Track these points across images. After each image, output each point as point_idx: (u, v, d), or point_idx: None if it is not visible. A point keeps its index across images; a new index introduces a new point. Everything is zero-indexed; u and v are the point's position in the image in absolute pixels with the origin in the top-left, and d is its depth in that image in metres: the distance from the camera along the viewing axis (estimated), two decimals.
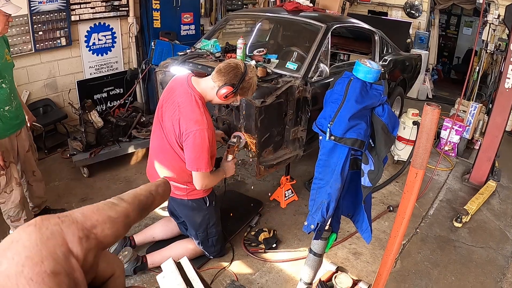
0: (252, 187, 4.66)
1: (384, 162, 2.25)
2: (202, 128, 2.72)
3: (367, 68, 2.18)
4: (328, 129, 2.23)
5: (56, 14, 5.13)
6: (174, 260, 2.07)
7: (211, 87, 2.82)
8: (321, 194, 2.35)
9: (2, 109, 3.08)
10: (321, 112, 2.38)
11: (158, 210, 4.18)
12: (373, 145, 2.26)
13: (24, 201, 3.46)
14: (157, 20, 6.01)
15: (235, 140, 3.23)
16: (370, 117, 2.23)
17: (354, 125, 2.16)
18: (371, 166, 2.24)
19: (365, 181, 2.28)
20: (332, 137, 2.21)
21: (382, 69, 2.48)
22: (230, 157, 3.21)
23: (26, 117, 3.51)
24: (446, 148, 5.89)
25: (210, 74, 2.89)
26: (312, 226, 2.35)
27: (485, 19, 7.10)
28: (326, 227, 2.48)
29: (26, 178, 3.64)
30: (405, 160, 5.29)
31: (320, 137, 2.35)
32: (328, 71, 4.04)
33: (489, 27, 7.20)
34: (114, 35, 5.99)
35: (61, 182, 4.65)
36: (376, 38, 5.26)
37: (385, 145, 2.20)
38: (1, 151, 3.09)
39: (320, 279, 2.66)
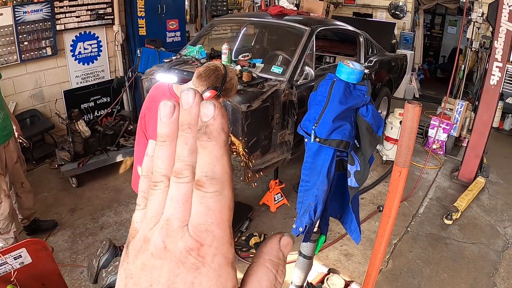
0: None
1: (370, 162, 2.25)
2: None
3: (349, 69, 2.18)
4: (313, 131, 2.23)
5: (41, 23, 5.11)
6: None
7: None
8: (308, 196, 2.35)
9: None
10: (306, 114, 2.38)
11: None
12: (358, 145, 2.27)
13: (13, 213, 3.43)
14: (143, 27, 6.01)
15: None
16: (355, 118, 2.24)
17: (338, 126, 2.17)
18: (357, 166, 2.24)
19: (351, 181, 2.28)
20: (317, 139, 2.21)
21: (365, 70, 2.49)
22: None
23: (14, 127, 3.48)
24: (434, 146, 5.93)
25: None
26: (301, 229, 2.35)
27: (469, 17, 7.17)
28: (315, 229, 2.48)
29: (14, 190, 3.60)
30: (394, 160, 5.31)
31: (306, 140, 2.35)
32: (313, 74, 4.06)
33: (473, 25, 7.27)
34: (100, 44, 5.97)
35: (50, 193, 4.61)
36: (361, 39, 5.29)
37: (370, 145, 2.20)
38: None
39: (307, 281, 2.66)
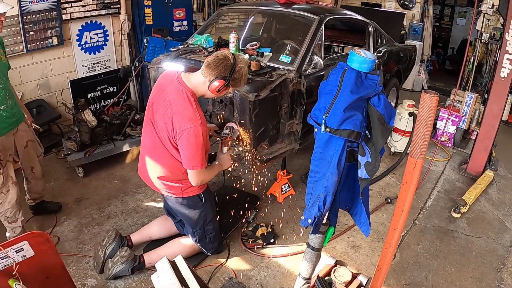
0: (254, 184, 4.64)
1: (381, 154, 2.21)
2: (196, 125, 2.69)
3: (361, 57, 2.13)
4: (323, 121, 2.18)
5: (47, 13, 5.07)
6: (168, 259, 2.05)
7: (202, 82, 2.79)
8: (317, 187, 2.31)
9: None
10: (316, 104, 2.34)
11: (155, 209, 4.15)
12: (369, 136, 2.22)
13: (20, 201, 3.43)
14: (149, 16, 5.96)
15: (228, 131, 3.19)
16: (366, 108, 2.19)
17: (349, 116, 2.12)
18: (368, 157, 2.20)
19: (362, 173, 2.24)
20: (328, 129, 2.16)
21: (377, 59, 2.43)
22: (225, 149, 3.18)
23: (26, 116, 3.56)
24: (443, 138, 5.88)
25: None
26: (310, 220, 2.32)
27: (479, 9, 7.07)
28: (324, 221, 2.45)
29: (25, 175, 3.68)
30: (402, 151, 5.27)
31: (315, 129, 2.31)
32: (322, 63, 4.01)
33: (483, 17, 7.17)
34: (106, 33, 5.94)
35: (57, 182, 4.61)
36: (370, 29, 5.22)
37: (382, 136, 2.15)
38: None
39: (318, 275, 2.63)
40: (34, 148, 3.67)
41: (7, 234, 3.45)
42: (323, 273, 2.97)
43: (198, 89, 2.83)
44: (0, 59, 3.20)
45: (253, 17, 5.26)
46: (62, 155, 4.91)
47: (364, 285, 2.91)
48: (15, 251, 1.96)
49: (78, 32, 5.60)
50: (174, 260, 1.96)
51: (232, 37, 3.99)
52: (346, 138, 2.17)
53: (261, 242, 3.67)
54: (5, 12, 3.07)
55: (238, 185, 4.56)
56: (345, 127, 2.13)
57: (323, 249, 2.73)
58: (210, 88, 2.77)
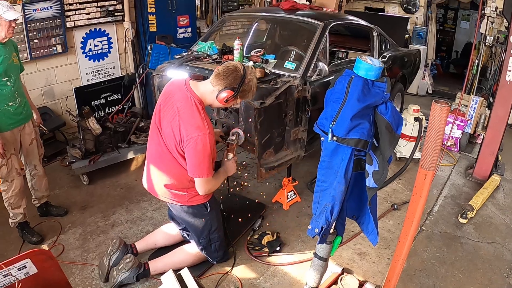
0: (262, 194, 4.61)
1: (389, 162, 2.18)
2: (204, 134, 2.69)
3: (368, 65, 2.11)
4: (330, 130, 2.16)
5: (51, 21, 5.11)
6: (174, 272, 2.03)
7: (211, 91, 2.78)
8: (324, 197, 2.29)
9: (6, 105, 3.34)
10: (322, 112, 2.31)
11: (160, 217, 4.13)
12: (377, 144, 2.20)
13: (24, 190, 3.68)
14: (153, 24, 5.98)
15: (233, 137, 3.18)
16: (373, 116, 2.17)
17: (356, 125, 2.10)
18: (376, 166, 2.18)
19: (369, 182, 2.21)
20: (335, 138, 2.14)
21: (384, 66, 2.42)
22: (230, 155, 3.17)
23: (34, 116, 3.79)
24: (448, 143, 5.84)
25: (207, 77, 2.84)
26: (317, 230, 2.29)
27: (483, 12, 7.06)
28: (331, 231, 2.42)
29: (29, 171, 3.87)
30: (408, 157, 5.24)
31: (322, 138, 2.29)
32: (327, 69, 3.99)
33: (487, 20, 7.15)
34: (110, 41, 5.96)
35: (61, 190, 4.61)
36: (375, 34, 5.21)
37: (390, 145, 2.13)
38: (2, 141, 3.28)
39: None
40: (39, 148, 3.87)
41: (10, 220, 3.69)
42: (330, 281, 2.95)
43: (206, 97, 2.82)
44: (12, 61, 3.39)
45: (257, 23, 5.25)
46: (67, 162, 4.91)
47: None
48: (18, 268, 1.96)
49: (82, 40, 5.62)
50: (180, 273, 1.94)
51: (237, 44, 3.98)
52: (353, 147, 2.15)
53: (267, 250, 3.65)
54: (16, 19, 3.23)
55: (243, 193, 4.54)
56: (352, 135, 2.10)
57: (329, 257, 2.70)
58: (218, 98, 2.76)
